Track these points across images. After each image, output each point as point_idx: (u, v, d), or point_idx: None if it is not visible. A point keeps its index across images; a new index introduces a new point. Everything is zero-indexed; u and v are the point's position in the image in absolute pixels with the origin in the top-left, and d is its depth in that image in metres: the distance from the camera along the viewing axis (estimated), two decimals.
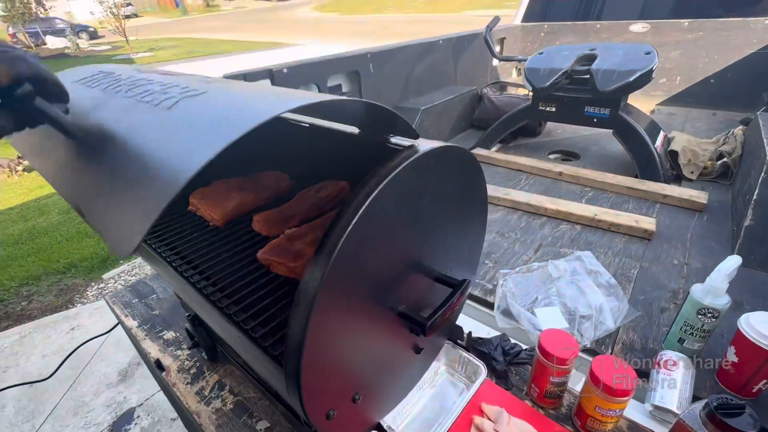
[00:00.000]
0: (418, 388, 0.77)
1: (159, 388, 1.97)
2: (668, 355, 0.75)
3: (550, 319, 0.91)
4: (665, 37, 2.41)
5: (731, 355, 0.71)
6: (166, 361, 0.89)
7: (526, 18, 2.99)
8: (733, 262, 0.70)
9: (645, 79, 1.46)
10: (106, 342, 2.26)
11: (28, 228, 3.62)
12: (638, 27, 2.48)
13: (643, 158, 1.53)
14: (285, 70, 1.40)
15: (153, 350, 0.92)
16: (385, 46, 1.84)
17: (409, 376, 0.65)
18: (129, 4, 29.90)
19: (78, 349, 2.15)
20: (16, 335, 2.37)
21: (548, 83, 1.62)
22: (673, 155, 1.58)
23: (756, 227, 1.05)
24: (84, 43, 16.15)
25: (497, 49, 2.72)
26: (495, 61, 2.81)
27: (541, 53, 1.75)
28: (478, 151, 1.90)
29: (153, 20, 27.83)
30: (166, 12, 33.44)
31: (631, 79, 1.45)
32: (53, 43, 16.14)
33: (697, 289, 0.75)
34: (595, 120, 1.65)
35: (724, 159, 1.52)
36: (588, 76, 1.57)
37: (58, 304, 2.65)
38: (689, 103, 2.44)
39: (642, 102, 2.35)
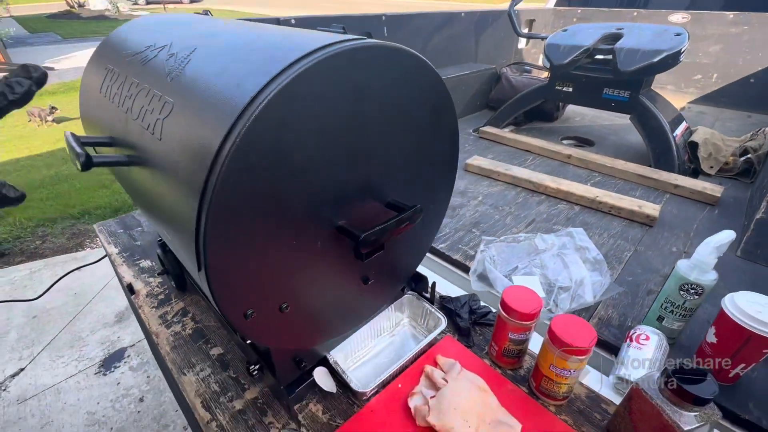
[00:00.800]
0: (376, 335, 0.75)
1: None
2: (642, 329, 0.70)
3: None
4: (706, 29, 2.25)
5: (710, 336, 0.66)
6: (137, 285, 0.90)
7: (561, 2, 2.85)
8: (725, 236, 0.65)
9: (671, 61, 1.37)
10: (108, 285, 2.34)
11: (51, 175, 3.77)
12: (677, 17, 2.32)
13: (659, 146, 1.45)
14: (293, 21, 1.38)
15: (127, 275, 0.93)
16: (403, 12, 1.78)
17: (356, 309, 0.63)
18: None
19: (80, 289, 2.23)
20: (27, 270, 2.48)
21: (567, 60, 1.54)
22: (693, 147, 1.49)
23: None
24: (124, 6, 16.49)
25: (524, 30, 2.61)
26: (521, 43, 2.70)
27: (565, 30, 1.66)
28: (487, 129, 1.84)
29: None
30: None
31: (656, 59, 1.36)
32: (95, 4, 16.55)
33: (682, 264, 0.70)
34: (613, 104, 1.56)
35: (748, 155, 1.42)
36: (611, 56, 1.48)
37: (69, 246, 2.76)
38: (723, 103, 2.28)
39: (673, 98, 2.22)
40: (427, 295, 0.76)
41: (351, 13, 1.64)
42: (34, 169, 3.93)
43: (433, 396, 0.61)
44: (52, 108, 5.00)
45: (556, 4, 2.86)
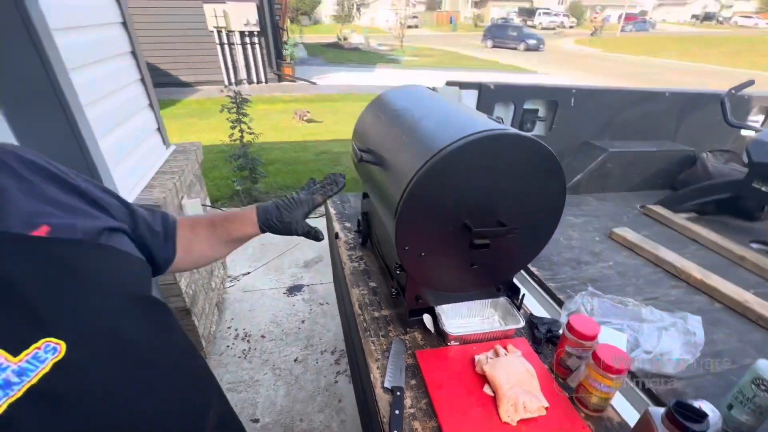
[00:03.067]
0: (473, 315, 1.06)
1: (320, 281, 2.77)
2: (703, 402, 0.79)
3: (609, 339, 1.01)
4: None
5: None
6: (341, 235, 1.46)
7: None
8: None
9: None
10: (306, 241, 3.27)
11: (294, 157, 5.31)
12: None
13: None
14: (492, 86, 1.79)
15: (337, 227, 1.51)
16: (594, 86, 1.97)
17: (462, 281, 0.95)
18: (415, 17, 35.96)
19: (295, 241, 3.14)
20: None
21: None
22: None
23: None
24: (373, 42, 20.70)
25: (759, 118, 2.32)
26: (748, 132, 2.40)
27: None
28: (655, 207, 1.81)
29: (428, 32, 32.70)
30: (440, 27, 38.64)
31: None
32: (354, 39, 21.35)
33: (763, 362, 0.75)
34: None
35: None
36: None
37: None
38: None
39: None
40: (517, 303, 1.02)
41: (546, 84, 1.95)
42: (285, 150, 5.60)
43: (493, 359, 0.89)
44: (307, 112, 6.95)
45: None
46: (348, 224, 1.54)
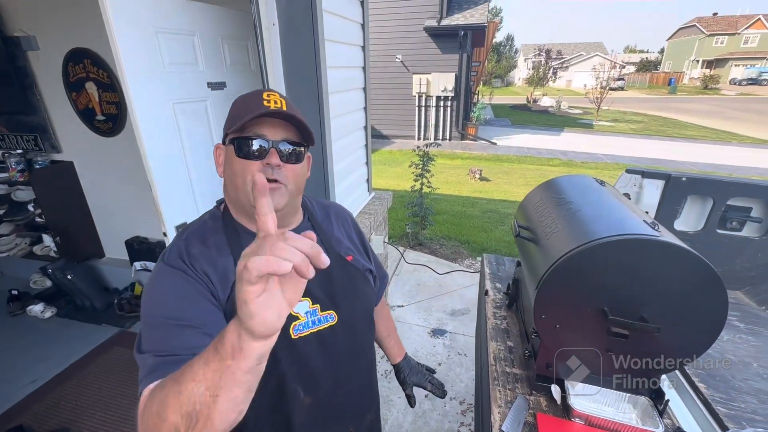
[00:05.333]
0: (604, 404, 1.07)
1: (463, 333, 2.92)
2: None
3: None
4: None
5: None
6: (490, 293, 1.64)
7: None
8: None
9: None
10: (456, 291, 3.50)
11: (461, 211, 5.69)
12: None
13: None
14: (684, 179, 1.69)
15: (488, 285, 1.70)
16: None
17: (593, 365, 1.01)
18: (621, 79, 32.85)
19: (444, 283, 3.46)
20: (429, 258, 4.11)
21: None
22: None
23: None
24: (564, 105, 19.98)
25: None
26: None
27: None
28: None
29: (636, 95, 29.28)
30: (654, 89, 34.03)
31: None
32: (544, 102, 21.10)
33: None
34: None
35: None
36: None
37: (450, 255, 4.24)
38: None
39: None
40: (660, 408, 0.99)
41: (758, 180, 1.68)
42: (455, 203, 6.06)
43: None
44: (481, 170, 7.33)
45: None
46: (498, 285, 1.71)
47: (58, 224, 3.02)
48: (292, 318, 0.76)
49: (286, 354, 0.75)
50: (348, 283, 0.86)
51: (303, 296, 0.80)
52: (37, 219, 3.06)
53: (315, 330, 0.79)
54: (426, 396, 2.32)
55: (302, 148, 0.75)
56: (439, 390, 1.26)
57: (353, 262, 0.90)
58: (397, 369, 1.25)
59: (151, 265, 2.99)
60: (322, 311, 0.80)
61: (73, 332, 2.78)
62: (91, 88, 2.67)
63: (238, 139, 0.70)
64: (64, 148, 3.05)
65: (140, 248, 2.99)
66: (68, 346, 2.63)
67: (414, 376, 1.24)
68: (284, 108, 0.70)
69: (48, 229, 3.08)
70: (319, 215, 0.92)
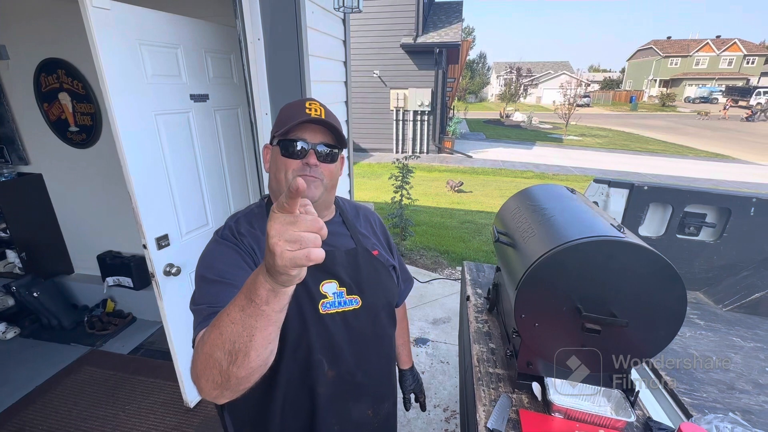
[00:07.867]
0: (581, 398, 1.13)
1: (445, 341, 2.96)
2: None
3: None
4: None
5: None
6: (472, 298, 1.70)
7: None
8: None
9: None
10: (437, 301, 3.55)
11: (440, 222, 5.80)
12: None
13: None
14: (645, 188, 1.83)
15: (469, 291, 1.76)
16: None
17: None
18: (587, 96, 34.66)
19: (424, 292, 3.51)
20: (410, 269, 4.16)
21: None
22: None
23: None
24: (535, 120, 20.84)
25: None
26: None
27: None
28: None
29: (600, 112, 30.88)
30: (617, 106, 36.02)
31: None
32: (516, 117, 21.93)
33: None
34: None
35: None
36: None
37: (430, 265, 4.30)
38: None
39: None
40: (631, 399, 1.06)
41: (715, 189, 1.84)
42: (433, 214, 6.17)
43: None
44: (460, 182, 7.51)
45: None
46: (479, 290, 1.77)
47: (23, 239, 2.88)
48: (320, 296, 0.87)
49: (315, 326, 0.86)
50: (373, 274, 0.96)
51: (332, 279, 0.88)
52: (1, 234, 2.91)
53: (340, 310, 0.89)
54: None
55: (337, 150, 0.89)
56: (423, 405, 1.43)
57: (378, 256, 1.00)
58: (403, 375, 1.36)
59: (125, 280, 2.89)
60: (348, 295, 0.90)
61: (38, 353, 2.64)
62: (64, 98, 2.61)
63: (284, 141, 0.84)
64: (32, 159, 2.94)
65: (113, 263, 2.89)
66: (32, 368, 2.48)
67: (414, 384, 1.38)
68: (323, 116, 0.84)
69: (13, 244, 2.93)
70: (350, 213, 1.05)
